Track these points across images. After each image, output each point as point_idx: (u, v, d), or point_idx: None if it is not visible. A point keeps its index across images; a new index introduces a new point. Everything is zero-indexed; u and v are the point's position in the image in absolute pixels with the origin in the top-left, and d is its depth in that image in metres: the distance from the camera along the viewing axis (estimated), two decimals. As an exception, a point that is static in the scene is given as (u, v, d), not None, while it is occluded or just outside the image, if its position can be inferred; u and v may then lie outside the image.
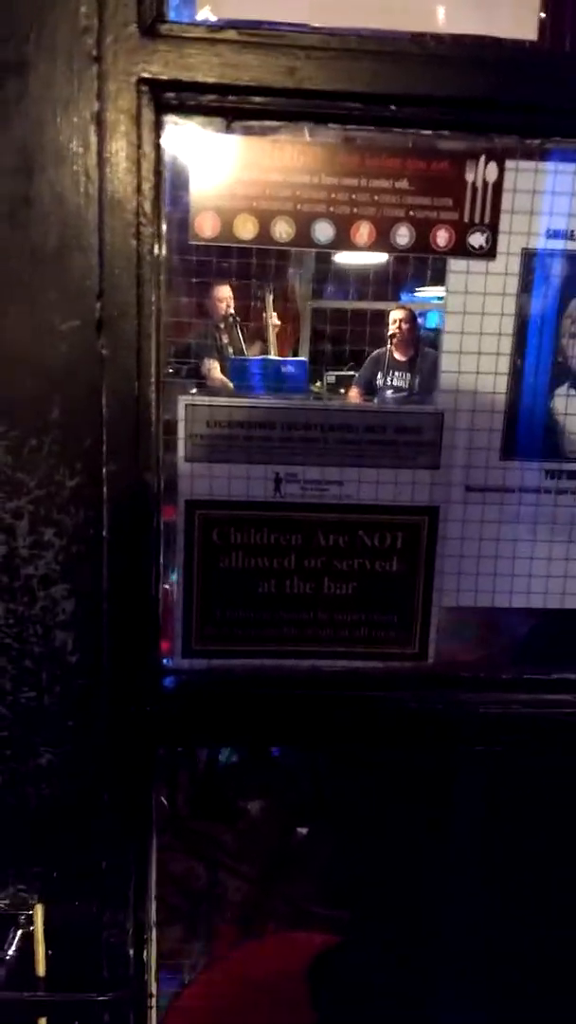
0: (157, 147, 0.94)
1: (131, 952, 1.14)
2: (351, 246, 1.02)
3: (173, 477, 1.08)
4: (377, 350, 4.69)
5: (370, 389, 4.70)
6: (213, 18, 0.95)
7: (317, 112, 0.96)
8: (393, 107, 0.95)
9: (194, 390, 1.02)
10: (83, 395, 0.98)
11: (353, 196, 1.01)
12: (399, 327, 4.57)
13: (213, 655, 1.12)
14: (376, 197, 1.01)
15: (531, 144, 0.99)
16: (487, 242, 1.03)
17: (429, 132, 0.99)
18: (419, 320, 4.69)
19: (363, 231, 1.02)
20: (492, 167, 1.00)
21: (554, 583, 1.14)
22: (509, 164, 1.00)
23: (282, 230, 1.01)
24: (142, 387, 0.99)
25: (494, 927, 1.49)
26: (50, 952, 1.14)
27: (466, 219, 1.02)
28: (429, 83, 0.94)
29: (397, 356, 4.61)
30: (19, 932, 1.16)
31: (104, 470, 1.00)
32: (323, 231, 1.02)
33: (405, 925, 1.64)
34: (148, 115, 0.93)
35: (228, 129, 0.97)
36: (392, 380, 4.69)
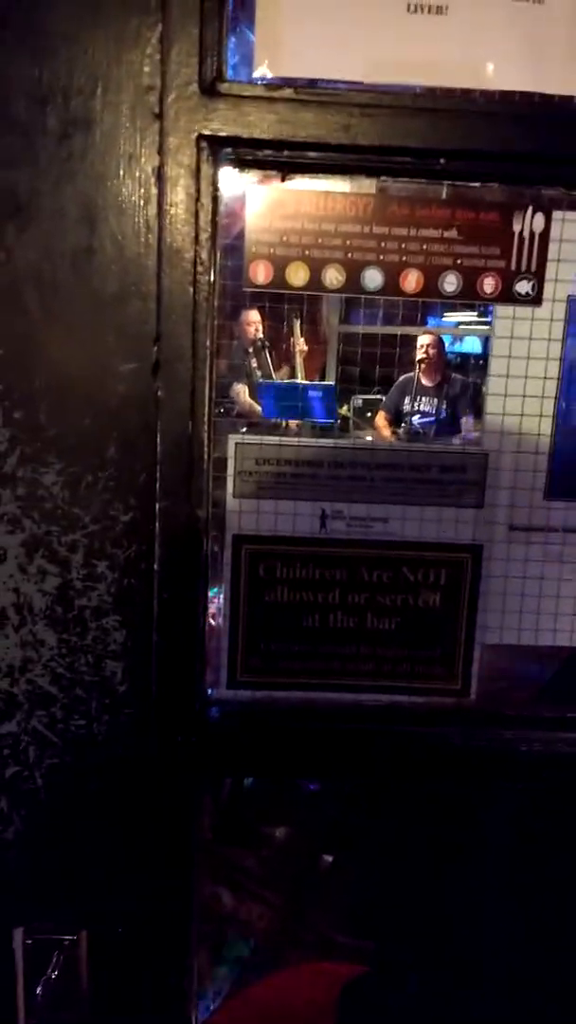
0: (215, 199, 0.98)
1: (173, 981, 1.15)
2: (400, 293, 1.05)
3: (222, 513, 1.11)
4: (404, 375, 4.71)
5: (397, 414, 4.71)
6: (270, 75, 0.99)
7: (369, 166, 1.00)
8: (443, 161, 0.98)
9: (244, 429, 1.05)
10: (138, 434, 1.02)
11: (403, 245, 1.04)
12: (427, 352, 4.59)
13: (257, 687, 1.14)
14: (425, 246, 1.04)
15: (577, 195, 1.02)
16: (533, 289, 1.05)
17: (477, 184, 1.02)
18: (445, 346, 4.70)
19: (411, 279, 1.05)
20: (539, 217, 1.03)
21: (596, 622, 1.15)
22: (556, 215, 1.03)
23: (333, 277, 1.05)
24: (195, 426, 1.03)
25: (524, 958, 1.49)
26: (93, 978, 1.16)
27: (513, 267, 1.04)
28: (478, 138, 0.97)
29: (424, 381, 4.62)
30: (63, 957, 1.18)
31: (157, 506, 1.03)
32: (372, 278, 1.05)
33: (434, 956, 1.64)
34: (207, 169, 0.97)
35: (283, 181, 1.01)
36: (419, 405, 4.70)
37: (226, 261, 1.06)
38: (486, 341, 1.14)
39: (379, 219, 1.03)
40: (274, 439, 1.10)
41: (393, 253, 1.04)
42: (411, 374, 4.67)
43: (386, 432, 4.61)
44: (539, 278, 1.05)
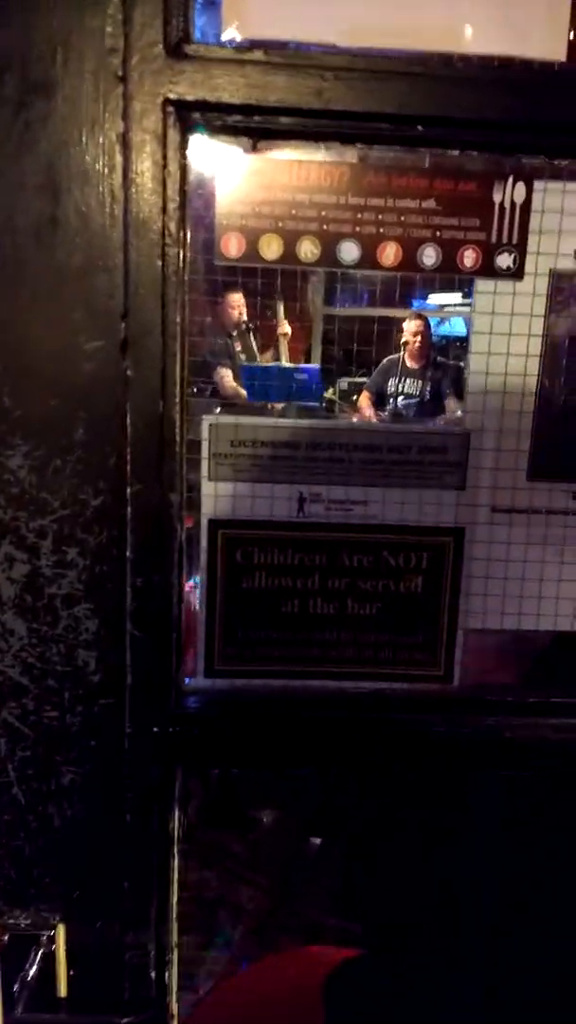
0: (183, 167, 0.94)
1: (153, 974, 1.13)
2: (377, 266, 1.02)
3: (196, 497, 1.08)
4: (389, 357, 4.69)
5: (381, 395, 4.69)
6: (239, 38, 0.95)
7: (343, 132, 0.96)
8: (420, 128, 0.95)
9: (218, 409, 1.02)
10: (107, 415, 0.98)
11: (379, 216, 1.00)
12: (412, 335, 4.57)
13: (236, 675, 1.12)
14: (402, 217, 1.00)
15: (559, 164, 0.98)
16: (515, 263, 1.02)
17: (456, 153, 0.98)
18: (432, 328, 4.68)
19: (389, 251, 1.01)
20: (520, 187, 0.99)
21: (581, 604, 1.13)
22: (537, 184, 0.99)
23: (307, 250, 1.01)
24: (166, 406, 0.99)
25: (512, 941, 1.48)
26: (72, 973, 1.14)
27: (493, 240, 1.01)
28: (457, 104, 0.93)
29: (409, 364, 4.60)
30: (41, 952, 1.15)
31: (128, 489, 1.00)
32: (348, 251, 1.01)
33: (421, 940, 1.63)
34: (174, 135, 0.93)
35: (254, 149, 0.97)
36: (404, 387, 4.68)
37: (197, 234, 1.02)
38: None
39: (355, 189, 0.99)
40: (250, 419, 1.07)
41: (370, 225, 1.00)
42: (396, 356, 4.65)
43: (369, 412, 4.58)
44: (520, 251, 1.02)
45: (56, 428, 0.98)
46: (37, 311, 0.95)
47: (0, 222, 0.93)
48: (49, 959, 1.14)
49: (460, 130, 0.95)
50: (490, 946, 1.52)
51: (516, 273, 1.02)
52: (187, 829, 1.15)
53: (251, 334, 3.92)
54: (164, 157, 0.93)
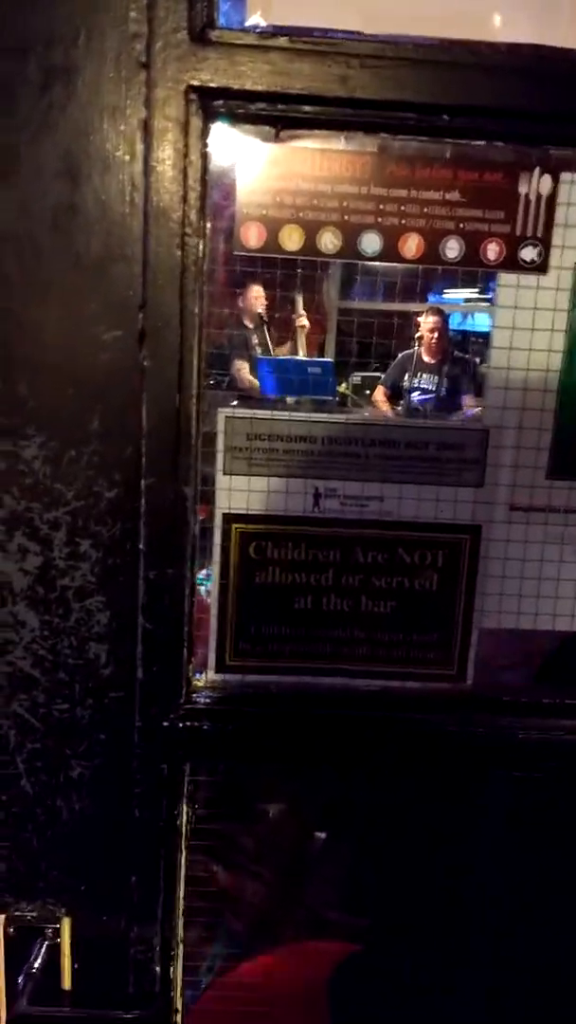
0: (204, 156, 0.93)
1: (158, 969, 1.12)
2: (399, 258, 1.00)
3: (211, 490, 1.07)
4: (405, 351, 4.65)
5: (396, 390, 4.66)
6: (264, 24, 0.93)
7: (368, 121, 0.94)
8: (446, 117, 0.93)
9: (235, 402, 1.01)
10: (123, 406, 0.97)
11: (402, 207, 0.98)
12: (429, 331, 4.53)
13: (247, 671, 1.11)
14: (426, 209, 0.98)
15: (588, 156, 0.96)
16: (539, 256, 1.00)
17: (482, 143, 0.96)
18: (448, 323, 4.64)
19: (411, 243, 0.99)
20: (546, 179, 0.97)
21: (600, 606, 1.11)
22: (564, 176, 0.97)
23: (328, 241, 0.99)
24: (183, 399, 0.98)
25: (520, 941, 1.47)
26: (76, 966, 1.14)
27: (518, 232, 0.99)
28: (484, 94, 0.92)
29: (426, 358, 4.57)
30: (46, 945, 1.15)
31: (143, 482, 0.99)
32: (370, 243, 1.00)
33: (427, 936, 1.62)
34: (196, 123, 0.91)
35: (276, 138, 0.95)
36: (420, 382, 4.65)
37: (218, 223, 1.00)
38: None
39: (377, 180, 0.98)
40: (266, 413, 1.05)
41: (392, 216, 0.98)
42: (412, 350, 4.62)
43: (384, 407, 4.56)
44: (545, 244, 1.00)
45: (71, 419, 0.97)
46: (53, 300, 0.94)
47: (17, 207, 0.92)
48: (54, 951, 1.14)
49: (487, 120, 0.93)
50: (496, 945, 1.51)
51: (540, 267, 1.01)
52: (198, 820, 1.15)
53: (266, 327, 3.90)
54: (186, 145, 0.92)
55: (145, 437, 0.97)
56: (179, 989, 1.17)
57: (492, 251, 1.00)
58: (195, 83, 0.89)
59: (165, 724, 1.04)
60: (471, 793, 1.35)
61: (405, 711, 1.10)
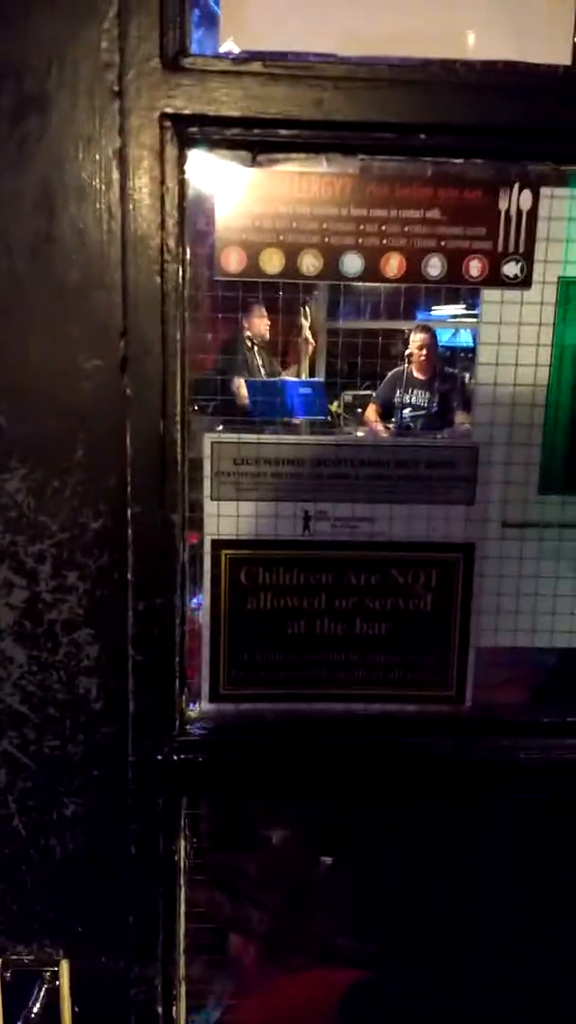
0: (181, 182, 0.92)
1: (160, 1009, 1.09)
2: (381, 278, 0.99)
3: (199, 516, 1.05)
4: (395, 369, 4.66)
5: (388, 407, 4.66)
6: (237, 50, 0.93)
7: (345, 143, 0.94)
8: (423, 136, 0.92)
9: (220, 427, 1.00)
10: (107, 435, 0.96)
11: (383, 227, 0.98)
12: (419, 346, 4.55)
13: (241, 700, 1.09)
14: (406, 228, 0.98)
15: (566, 170, 0.96)
16: (522, 271, 1.00)
17: (460, 161, 0.96)
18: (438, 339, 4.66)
19: (393, 263, 0.99)
20: (526, 195, 0.97)
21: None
22: (544, 191, 0.97)
23: (309, 264, 0.99)
24: (167, 425, 0.97)
25: (527, 965, 1.44)
26: (76, 1009, 1.10)
27: (500, 248, 0.99)
28: (460, 111, 0.91)
29: (416, 375, 4.58)
30: (44, 988, 1.12)
31: (129, 511, 0.97)
32: (352, 264, 0.99)
33: (435, 961, 1.59)
34: (171, 150, 0.91)
35: (253, 162, 0.95)
36: (411, 399, 4.66)
37: (198, 249, 1.00)
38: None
39: (357, 201, 0.97)
40: (252, 437, 1.04)
41: (373, 236, 0.98)
42: (402, 367, 4.63)
43: (377, 425, 4.56)
44: (528, 259, 0.99)
45: (54, 449, 0.96)
46: (34, 330, 0.93)
47: (-5, 239, 0.91)
48: (53, 995, 1.11)
49: (464, 137, 0.93)
50: (504, 970, 1.48)
51: (524, 282, 1.00)
52: (195, 852, 1.12)
53: (255, 349, 3.90)
54: (162, 172, 0.91)
55: (130, 465, 0.96)
56: (183, 1030, 1.14)
57: (475, 268, 1.00)
58: (169, 110, 0.89)
59: (159, 757, 1.02)
60: (474, 816, 1.33)
61: (404, 735, 1.08)
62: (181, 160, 0.92)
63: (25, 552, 0.97)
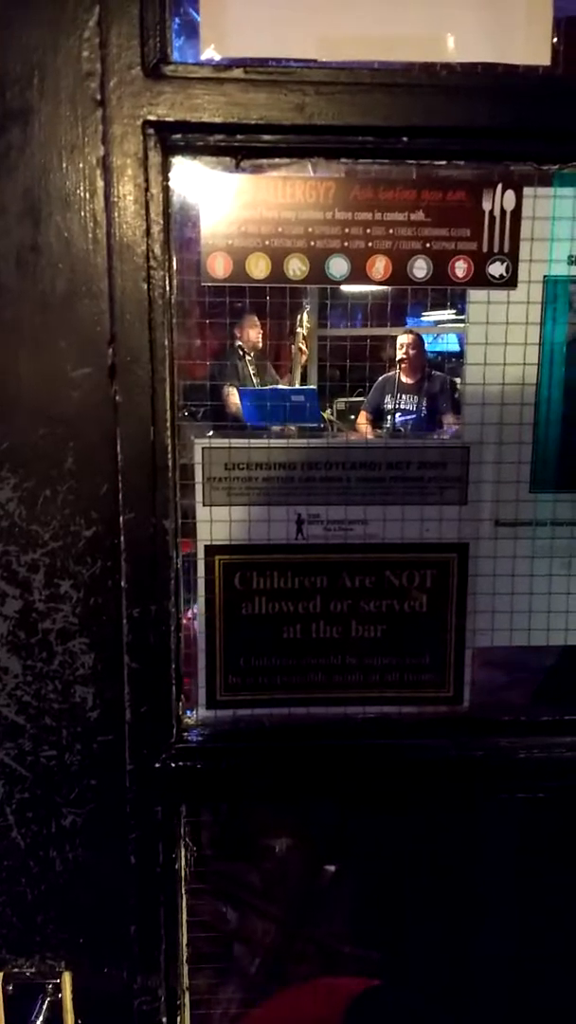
0: (165, 189, 0.93)
1: (164, 1019, 1.08)
2: (367, 281, 1.00)
3: (192, 523, 1.05)
4: (385, 375, 4.68)
5: (378, 413, 4.67)
6: (218, 57, 0.94)
7: (328, 147, 0.94)
8: (405, 139, 0.93)
9: (210, 432, 1.00)
10: (98, 442, 0.96)
11: (368, 230, 0.98)
12: (406, 351, 4.56)
13: (239, 705, 1.08)
14: (391, 230, 0.98)
15: (548, 170, 0.97)
16: (507, 271, 1.00)
17: (443, 163, 0.96)
18: (425, 343, 4.68)
19: (379, 265, 0.99)
20: (509, 195, 0.98)
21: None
22: (527, 191, 0.98)
23: (296, 267, 0.99)
24: (157, 432, 0.96)
25: (530, 967, 1.43)
26: (80, 1022, 1.10)
27: (485, 249, 0.99)
28: (442, 113, 0.92)
29: (405, 380, 4.59)
30: (47, 1001, 1.11)
31: (121, 518, 0.97)
32: (338, 267, 0.99)
33: (439, 964, 1.58)
34: (155, 157, 0.91)
35: (237, 168, 0.95)
36: (400, 403, 4.67)
37: (185, 255, 1.00)
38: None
39: (342, 204, 0.98)
40: (243, 442, 1.04)
41: (358, 239, 0.98)
42: (391, 373, 4.64)
43: (369, 432, 4.57)
44: (513, 259, 1.00)
45: (45, 458, 0.96)
46: (21, 339, 0.93)
47: (-19, 250, 0.91)
48: (56, 1008, 1.10)
49: (446, 140, 0.93)
50: (510, 972, 1.47)
51: (509, 282, 1.00)
52: (197, 862, 1.12)
53: (246, 357, 3.90)
54: (146, 180, 0.91)
55: (121, 472, 0.96)
56: (187, 1041, 1.13)
57: (460, 269, 1.00)
58: (152, 118, 0.89)
59: (157, 765, 1.02)
60: (475, 816, 1.32)
61: (403, 737, 1.08)
62: (165, 167, 0.92)
63: (18, 562, 0.97)
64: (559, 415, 1.04)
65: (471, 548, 1.07)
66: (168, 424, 0.97)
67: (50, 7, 0.88)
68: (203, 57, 0.94)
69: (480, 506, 1.06)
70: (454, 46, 0.94)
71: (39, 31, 0.89)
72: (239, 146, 0.93)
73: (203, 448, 1.04)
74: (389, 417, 4.62)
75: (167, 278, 0.94)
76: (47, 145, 0.90)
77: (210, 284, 1.00)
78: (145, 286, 0.93)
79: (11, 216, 0.91)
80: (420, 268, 0.99)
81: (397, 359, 4.53)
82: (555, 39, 0.92)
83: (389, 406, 4.61)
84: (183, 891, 1.09)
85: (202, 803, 1.13)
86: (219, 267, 0.99)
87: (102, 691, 1.00)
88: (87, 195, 0.91)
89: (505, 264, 1.00)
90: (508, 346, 1.02)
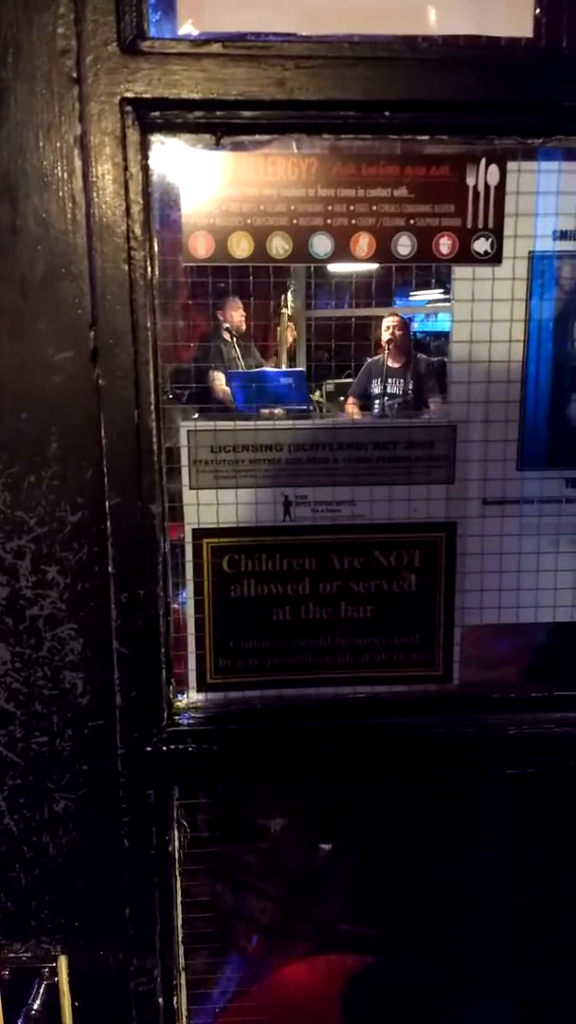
0: (145, 168, 0.91)
1: (160, 1000, 1.09)
2: (351, 259, 0.99)
3: (178, 506, 1.05)
4: (371, 359, 4.65)
5: (366, 397, 4.65)
6: (196, 32, 0.92)
7: (309, 123, 0.93)
8: (388, 113, 0.92)
9: (196, 415, 0.99)
10: (81, 427, 0.95)
11: (351, 207, 0.97)
12: (392, 334, 4.54)
13: (229, 688, 1.08)
14: (375, 207, 0.97)
15: (532, 144, 0.96)
16: (492, 247, 0.99)
17: (426, 138, 0.95)
18: (412, 325, 4.66)
19: (363, 243, 0.98)
20: (493, 170, 0.97)
21: (579, 594, 1.10)
22: (511, 166, 0.97)
23: (278, 246, 0.98)
24: (141, 415, 0.96)
25: (527, 943, 1.45)
26: (77, 1004, 1.10)
27: (469, 225, 0.98)
28: (423, 87, 0.91)
29: (391, 363, 4.57)
30: (44, 984, 1.12)
31: (107, 503, 0.96)
32: (321, 245, 0.98)
33: (436, 941, 1.60)
34: (133, 136, 0.90)
35: (217, 145, 0.94)
36: (387, 387, 4.66)
37: (166, 235, 0.98)
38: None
39: (324, 181, 0.97)
40: (228, 424, 1.03)
41: (341, 216, 0.97)
42: (378, 357, 4.62)
43: (357, 417, 4.55)
44: (497, 235, 0.99)
45: (28, 444, 0.95)
46: (1, 323, 0.92)
47: (-42, 233, 0.90)
48: (53, 991, 1.10)
49: (428, 114, 0.92)
50: (506, 948, 1.49)
51: (494, 258, 1.00)
52: (191, 843, 1.12)
53: (235, 340, 3.88)
54: (124, 159, 0.90)
55: (106, 457, 0.95)
56: (184, 1019, 1.14)
57: (444, 245, 0.99)
58: (129, 95, 0.88)
59: (148, 749, 1.02)
60: (466, 793, 1.33)
61: (393, 716, 1.08)
62: (144, 145, 0.91)
63: (3, 548, 0.96)
64: (546, 392, 1.04)
65: (459, 527, 1.07)
66: (152, 407, 0.96)
67: (23, -18, 0.87)
68: (181, 32, 0.92)
69: (467, 485, 1.06)
70: (435, 18, 0.92)
71: (11, 7, 0.87)
72: (219, 123, 0.92)
73: (188, 431, 1.03)
74: (377, 402, 4.61)
75: (148, 259, 0.93)
76: (23, 124, 0.89)
77: (192, 264, 0.98)
78: (126, 267, 0.91)
79: (-12, 197, 0.89)
80: (404, 245, 0.99)
81: (384, 340, 4.51)
82: (537, 10, 0.91)
83: (376, 390, 4.60)
84: (177, 873, 1.09)
85: (195, 785, 1.14)
86: (201, 247, 0.98)
87: (92, 676, 1.00)
88: (65, 175, 0.90)
89: (490, 240, 0.99)
90: (494, 323, 1.02)
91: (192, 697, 1.08)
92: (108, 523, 0.97)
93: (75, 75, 0.88)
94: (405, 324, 4.76)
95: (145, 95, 0.88)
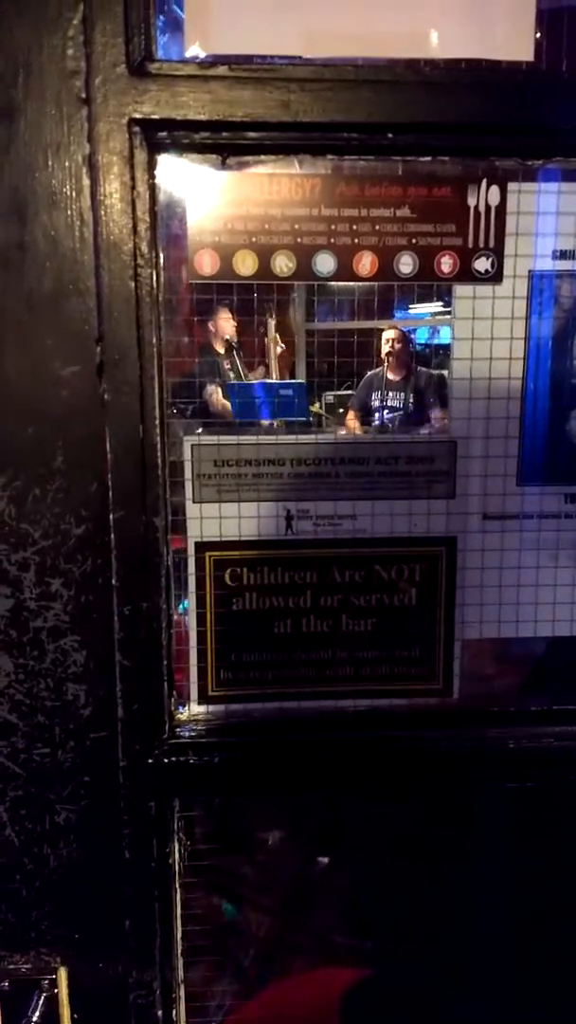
0: (152, 187, 0.93)
1: (160, 1012, 1.09)
2: (354, 277, 1.00)
3: (182, 520, 1.06)
4: (371, 371, 4.67)
5: (366, 410, 4.67)
6: (203, 54, 0.94)
7: (313, 144, 0.94)
8: (390, 135, 0.93)
9: (199, 430, 1.00)
10: (86, 441, 0.96)
11: (354, 227, 0.99)
12: (392, 347, 4.56)
13: (231, 700, 1.09)
14: (377, 227, 0.99)
15: (533, 165, 0.97)
16: (493, 266, 1.01)
17: (428, 159, 0.97)
18: (412, 338, 4.68)
19: (365, 261, 1.00)
20: (494, 190, 0.98)
21: (579, 609, 1.11)
22: (511, 186, 0.98)
23: (283, 264, 0.99)
24: (146, 430, 0.97)
25: (525, 957, 1.45)
26: (76, 1016, 1.10)
27: (470, 244, 1.00)
28: (426, 110, 0.92)
29: (391, 376, 4.59)
30: (43, 996, 1.12)
31: (111, 516, 0.97)
32: (324, 263, 1.00)
33: (434, 954, 1.60)
34: (141, 155, 0.91)
35: (223, 165, 0.95)
36: (387, 400, 4.67)
37: (172, 253, 1.00)
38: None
39: (328, 200, 0.98)
40: (232, 439, 1.05)
41: (345, 235, 0.99)
42: (378, 370, 4.64)
43: (358, 431, 4.56)
44: (498, 254, 1.00)
45: (34, 457, 0.96)
46: (8, 338, 0.93)
47: (-33, 249, 0.91)
48: (52, 1003, 1.10)
49: (431, 136, 0.94)
50: (505, 960, 1.49)
51: (495, 277, 1.01)
52: (190, 856, 1.12)
53: (235, 352, 3.89)
54: (132, 178, 0.91)
55: (111, 470, 0.96)
56: (183, 1033, 1.14)
57: (446, 264, 1.01)
58: (137, 116, 0.90)
59: (150, 761, 1.02)
60: (466, 807, 1.34)
61: (393, 730, 1.09)
62: (151, 165, 0.92)
63: (8, 560, 0.97)
64: (545, 409, 1.05)
65: (459, 541, 1.08)
66: (157, 421, 0.97)
67: (34, 5, 0.88)
68: (188, 54, 0.94)
69: (468, 500, 1.07)
70: (438, 42, 0.94)
71: (23, 30, 0.89)
72: (225, 143, 0.93)
73: (192, 445, 1.04)
74: (377, 415, 4.62)
75: (154, 276, 0.94)
76: (32, 143, 0.90)
77: (198, 281, 1.00)
78: (132, 284, 0.93)
79: (-3, 215, 0.91)
80: (406, 264, 1.00)
81: (384, 353, 4.53)
82: (538, 34, 0.92)
83: (376, 403, 4.61)
84: (177, 885, 1.09)
85: (195, 797, 1.14)
86: (207, 264, 0.99)
87: (94, 688, 1.01)
88: (73, 193, 0.91)
89: (491, 259, 1.01)
90: (494, 341, 1.03)
91: (193, 709, 1.08)
92: (112, 536, 0.98)
93: (84, 96, 0.90)
94: (405, 337, 4.78)
95: (153, 116, 0.90)
